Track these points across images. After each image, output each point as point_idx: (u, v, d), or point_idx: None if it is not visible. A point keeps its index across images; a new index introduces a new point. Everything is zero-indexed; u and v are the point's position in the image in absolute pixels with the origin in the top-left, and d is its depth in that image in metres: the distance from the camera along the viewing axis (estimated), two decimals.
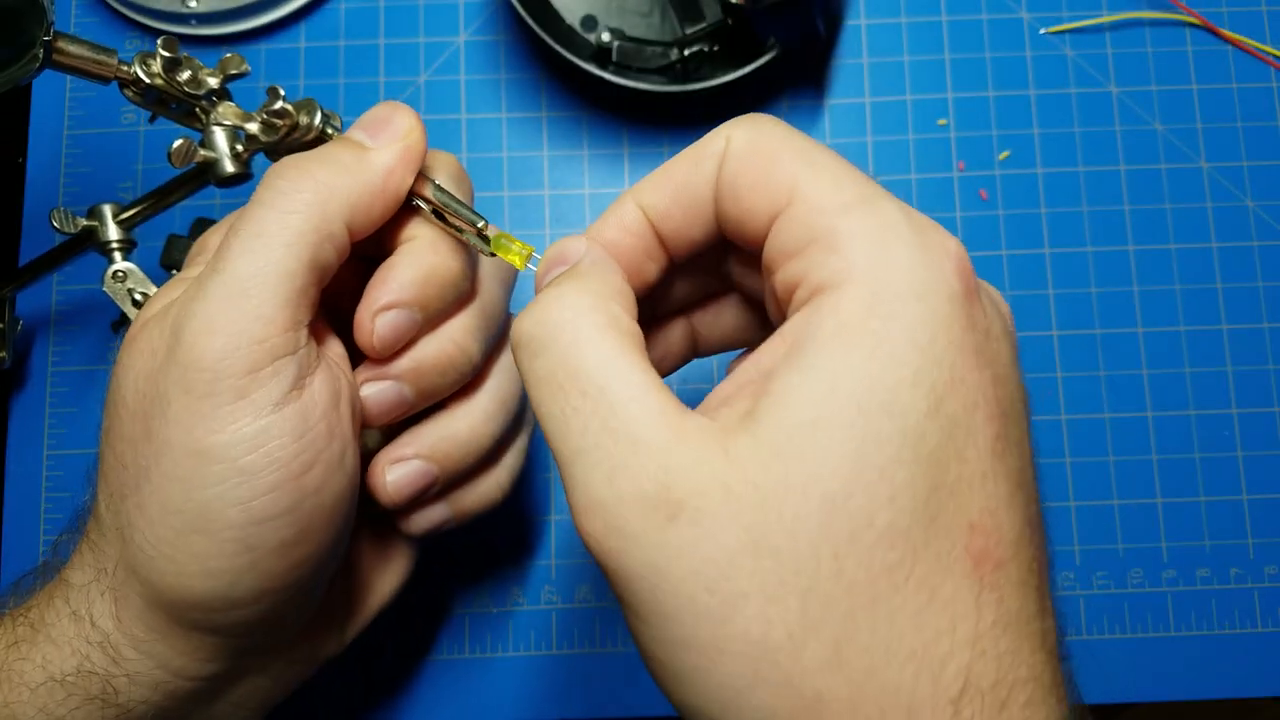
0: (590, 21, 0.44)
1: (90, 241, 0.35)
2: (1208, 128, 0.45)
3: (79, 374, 0.44)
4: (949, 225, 0.45)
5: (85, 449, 0.44)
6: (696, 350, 0.29)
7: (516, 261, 0.28)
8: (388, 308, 0.28)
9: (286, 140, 0.31)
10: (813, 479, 0.19)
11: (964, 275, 0.21)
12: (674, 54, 0.43)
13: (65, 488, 0.43)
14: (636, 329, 0.23)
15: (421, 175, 0.29)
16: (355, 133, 0.29)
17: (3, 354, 0.41)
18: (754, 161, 0.23)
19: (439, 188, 0.29)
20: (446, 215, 0.29)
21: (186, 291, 0.26)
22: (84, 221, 0.35)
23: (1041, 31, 0.46)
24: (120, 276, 0.34)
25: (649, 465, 0.20)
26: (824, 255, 0.21)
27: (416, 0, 0.47)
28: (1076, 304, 0.44)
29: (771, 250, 0.23)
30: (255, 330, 0.25)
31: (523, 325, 0.23)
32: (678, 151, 0.46)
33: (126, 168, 0.46)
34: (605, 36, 0.43)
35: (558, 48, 0.41)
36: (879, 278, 0.20)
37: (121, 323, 0.43)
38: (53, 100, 0.46)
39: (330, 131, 0.31)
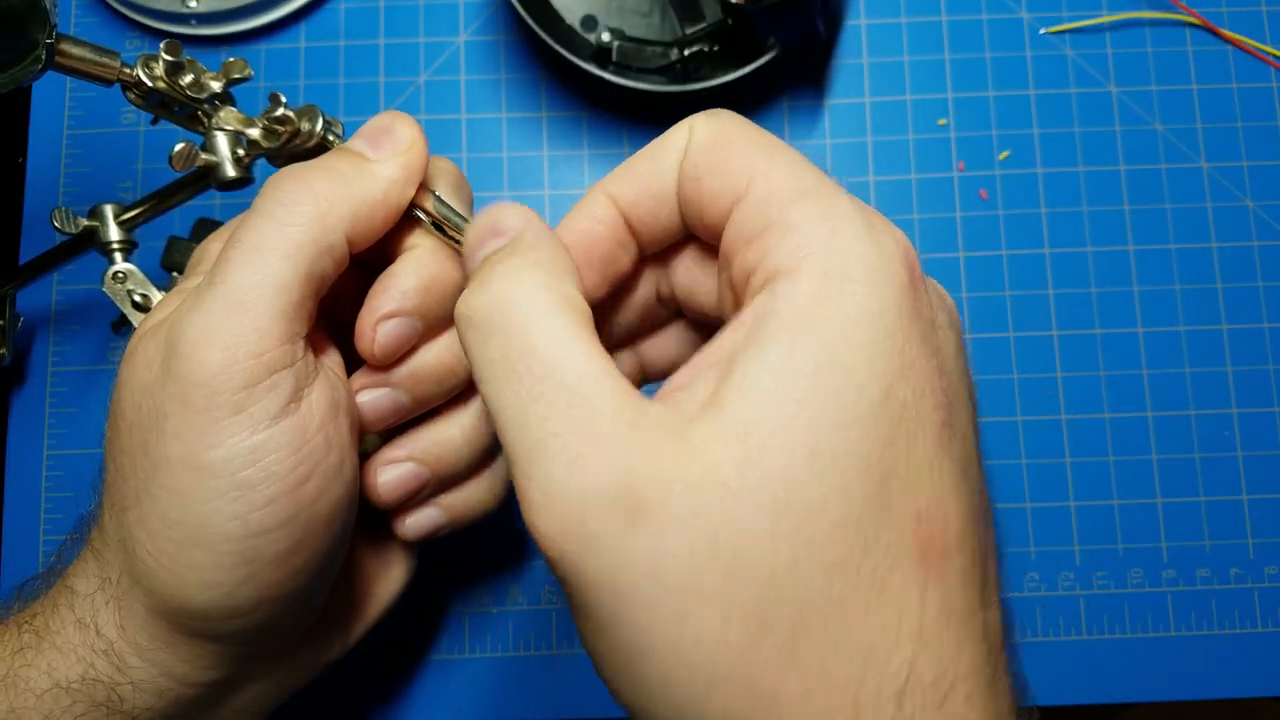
0: (590, 21, 0.44)
1: (91, 242, 0.35)
2: (1208, 128, 0.45)
3: (79, 374, 0.44)
4: (949, 225, 0.45)
5: (85, 449, 0.44)
6: (646, 377, 0.30)
7: None
8: (389, 316, 0.28)
9: (288, 146, 0.31)
10: (772, 466, 0.19)
11: (910, 266, 0.22)
12: (674, 54, 0.43)
13: (65, 487, 0.43)
14: (587, 307, 0.23)
15: (422, 186, 0.29)
16: (356, 143, 0.28)
17: (2, 351, 0.41)
18: (714, 151, 0.23)
19: (439, 199, 0.29)
20: (445, 227, 0.29)
21: (184, 304, 0.26)
22: (85, 222, 0.35)
23: (1041, 31, 0.46)
24: (120, 277, 0.34)
25: (610, 458, 0.20)
26: (779, 239, 0.21)
27: (416, 0, 0.47)
28: (1076, 304, 0.44)
29: (729, 238, 0.23)
30: (252, 344, 0.25)
31: (472, 302, 0.22)
32: None
33: (127, 168, 0.46)
34: (605, 36, 0.43)
35: (558, 48, 0.41)
36: (832, 262, 0.21)
37: (121, 323, 0.43)
38: (53, 100, 0.46)
39: (332, 138, 0.31)
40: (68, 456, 0.44)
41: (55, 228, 0.34)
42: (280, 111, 0.30)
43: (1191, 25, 0.46)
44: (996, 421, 0.43)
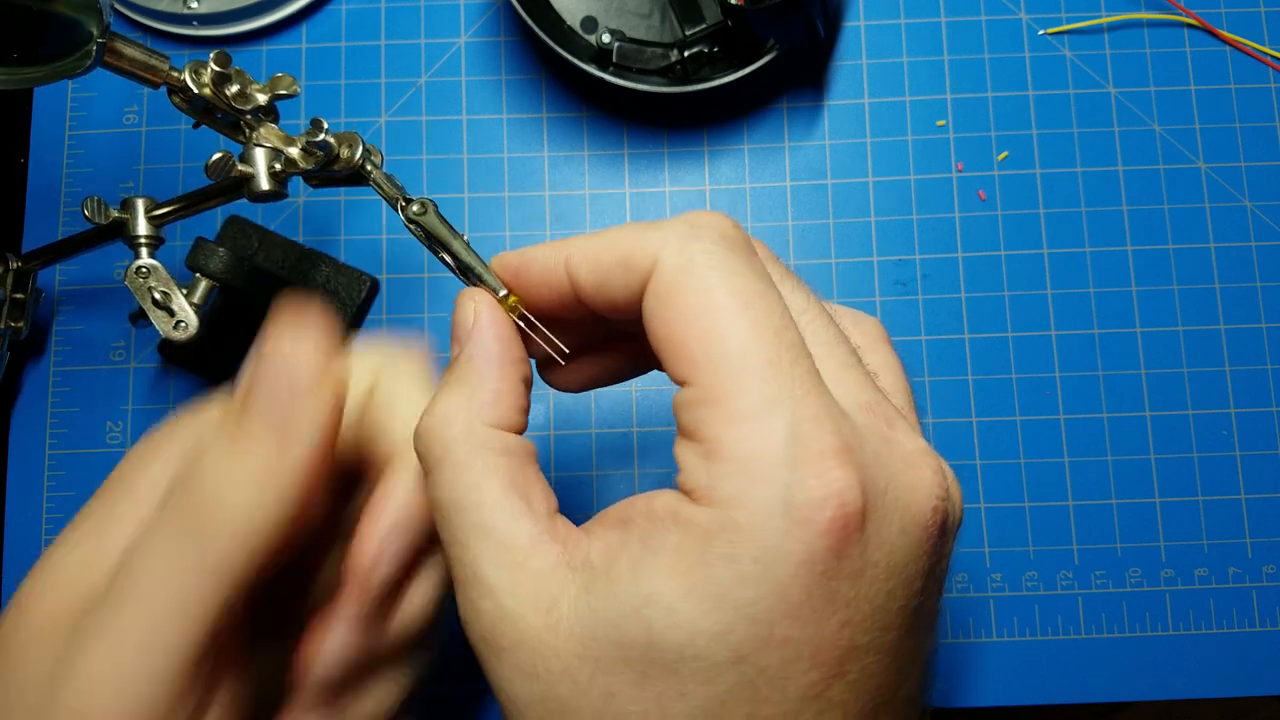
0: (590, 23, 0.45)
1: (119, 234, 0.35)
2: (1206, 128, 0.45)
3: (82, 373, 0.44)
4: (948, 226, 0.45)
5: (88, 449, 0.44)
6: (594, 382, 0.30)
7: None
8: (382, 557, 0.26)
9: (325, 170, 0.31)
10: (595, 687, 0.21)
11: (833, 528, 0.20)
12: (674, 55, 0.43)
13: (68, 487, 0.43)
14: (514, 442, 0.24)
15: (448, 230, 0.29)
16: (254, 422, 0.24)
17: (20, 324, 0.41)
18: (674, 307, 0.22)
19: (467, 245, 0.28)
20: (469, 277, 0.29)
21: (83, 626, 0.23)
22: (115, 213, 0.35)
23: (1040, 32, 0.46)
24: (144, 273, 0.34)
25: (487, 603, 0.22)
26: (702, 462, 0.21)
27: (418, 1, 0.47)
28: (1075, 304, 0.44)
29: (675, 404, 0.23)
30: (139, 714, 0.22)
31: (418, 434, 0.24)
32: (678, 152, 0.47)
33: (128, 168, 0.46)
34: (605, 38, 0.43)
35: (558, 49, 0.41)
36: (734, 520, 0.20)
37: (139, 316, 0.43)
38: (55, 100, 0.46)
39: (370, 168, 0.31)
40: (68, 456, 0.44)
41: (85, 216, 0.34)
42: (321, 137, 0.30)
43: (1190, 26, 0.46)
44: (995, 421, 0.44)
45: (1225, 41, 0.46)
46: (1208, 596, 0.42)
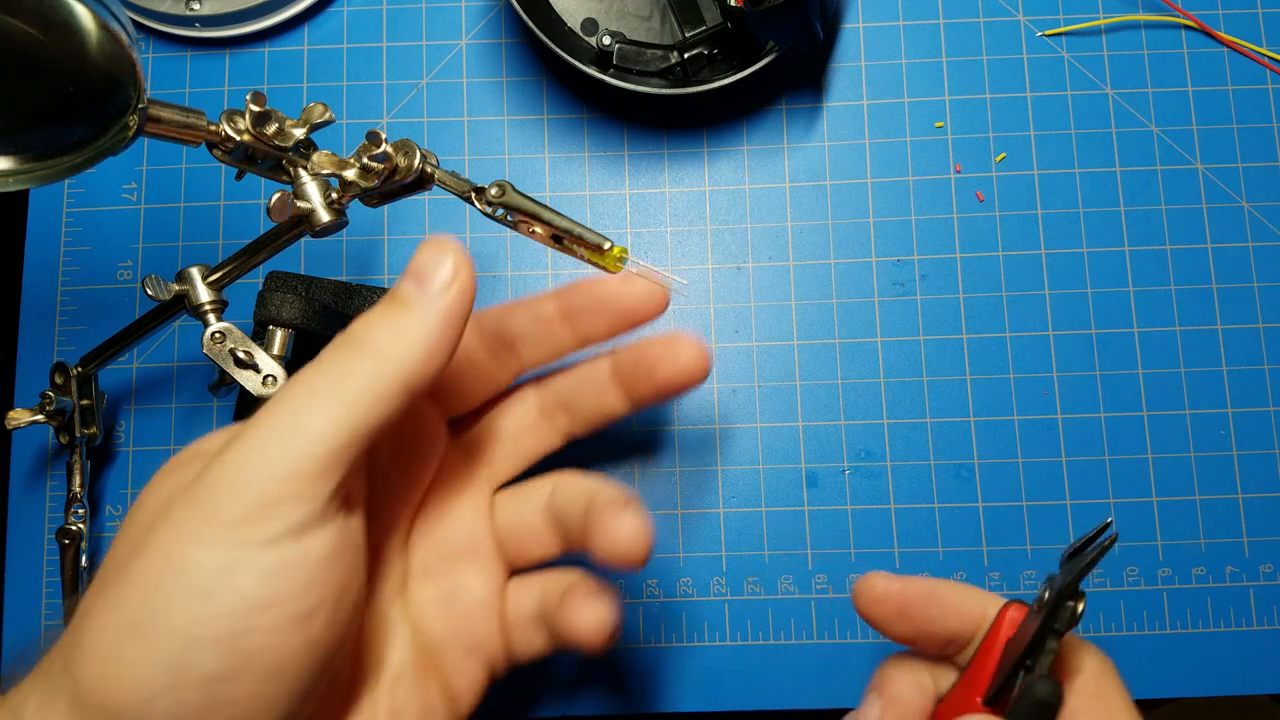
0: (591, 25, 0.45)
1: (182, 306, 0.35)
2: (1203, 129, 0.46)
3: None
4: (946, 226, 0.45)
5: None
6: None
7: (611, 265, 0.29)
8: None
9: (386, 183, 0.31)
10: None
11: None
12: (674, 57, 0.43)
13: None
14: None
15: (547, 210, 0.29)
16: (405, 284, 0.28)
17: (94, 430, 0.41)
18: (1106, 700, 0.29)
19: (556, 211, 0.29)
20: (568, 241, 0.29)
21: (233, 432, 0.26)
22: (175, 287, 0.34)
23: (1038, 34, 0.47)
24: (219, 337, 0.33)
25: None
26: None
27: (419, 3, 0.47)
28: (1073, 304, 0.45)
29: None
30: (277, 477, 0.25)
31: None
32: (678, 153, 0.47)
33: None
34: (606, 40, 0.43)
35: (559, 51, 0.42)
36: None
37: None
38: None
39: (429, 169, 0.31)
40: None
41: (148, 295, 0.34)
42: (382, 149, 0.30)
43: (1187, 28, 0.46)
44: (993, 421, 0.44)
45: (1222, 43, 0.46)
46: (1204, 595, 0.43)
